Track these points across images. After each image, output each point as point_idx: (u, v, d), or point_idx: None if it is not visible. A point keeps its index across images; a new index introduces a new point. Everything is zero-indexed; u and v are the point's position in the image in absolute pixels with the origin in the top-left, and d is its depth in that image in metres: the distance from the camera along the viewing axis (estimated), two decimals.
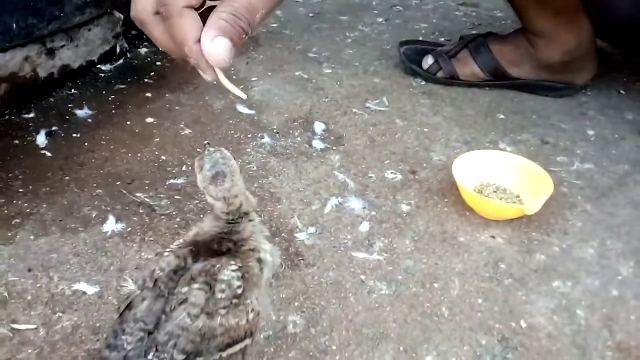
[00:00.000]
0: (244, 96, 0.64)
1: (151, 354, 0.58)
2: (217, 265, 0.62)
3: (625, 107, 1.57)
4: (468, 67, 1.59)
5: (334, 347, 0.87)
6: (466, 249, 1.07)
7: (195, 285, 0.60)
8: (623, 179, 1.29)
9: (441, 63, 1.60)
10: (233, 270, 0.62)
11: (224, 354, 0.60)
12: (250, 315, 0.63)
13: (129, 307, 0.62)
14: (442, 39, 1.88)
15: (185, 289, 0.60)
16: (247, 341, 0.63)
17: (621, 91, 1.64)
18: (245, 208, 0.67)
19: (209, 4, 0.62)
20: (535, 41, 1.52)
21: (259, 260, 0.66)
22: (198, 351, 0.59)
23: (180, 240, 0.66)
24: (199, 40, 0.58)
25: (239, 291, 0.62)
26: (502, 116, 1.50)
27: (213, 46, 0.57)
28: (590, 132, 1.47)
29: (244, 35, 0.60)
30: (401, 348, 0.87)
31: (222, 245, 0.65)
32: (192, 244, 0.64)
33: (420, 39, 1.83)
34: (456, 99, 1.57)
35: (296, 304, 0.94)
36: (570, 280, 1.02)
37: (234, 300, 0.61)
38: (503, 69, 1.57)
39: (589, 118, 1.53)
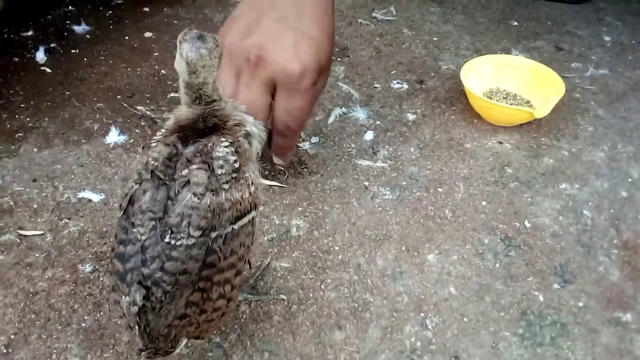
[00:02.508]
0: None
1: (167, 236, 0.58)
2: (210, 144, 0.61)
3: None
4: None
5: (336, 248, 0.88)
6: (472, 154, 1.05)
7: (194, 166, 0.60)
8: (638, 84, 1.25)
9: None
10: (226, 147, 0.61)
11: (235, 226, 0.61)
12: (252, 188, 0.63)
13: (131, 202, 0.61)
14: None
15: (185, 172, 0.59)
16: (254, 213, 0.64)
17: None
18: (215, 97, 0.64)
19: None
20: None
21: (247, 135, 0.65)
22: (212, 226, 0.59)
23: (163, 130, 0.65)
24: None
25: (236, 165, 0.61)
26: (515, 23, 1.44)
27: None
28: (607, 38, 1.40)
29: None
30: (403, 248, 0.88)
31: (208, 121, 0.64)
32: (177, 130, 0.63)
33: None
34: (468, 6, 1.50)
35: (299, 209, 0.94)
36: (578, 182, 1.00)
37: (234, 175, 0.61)
38: None
39: (605, 24, 1.46)
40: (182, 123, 0.64)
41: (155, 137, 0.64)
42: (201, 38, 0.60)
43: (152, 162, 0.61)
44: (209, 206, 0.59)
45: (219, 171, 0.60)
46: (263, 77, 0.78)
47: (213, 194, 0.59)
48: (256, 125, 0.67)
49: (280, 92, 0.80)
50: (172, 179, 0.60)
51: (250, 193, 0.62)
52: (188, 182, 0.59)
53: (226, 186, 0.60)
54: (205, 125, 0.63)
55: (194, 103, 0.64)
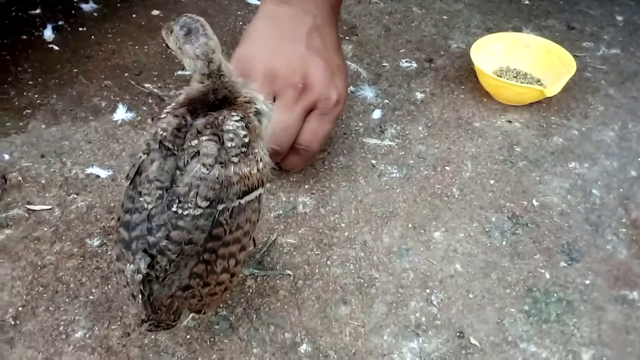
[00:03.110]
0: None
1: (175, 205, 0.58)
2: (220, 117, 0.61)
3: None
4: None
5: (343, 225, 0.88)
6: (481, 133, 1.04)
7: (204, 137, 0.60)
8: None
9: None
10: (237, 121, 0.61)
11: (242, 201, 0.61)
12: (260, 165, 0.63)
13: (138, 172, 0.61)
14: None
15: (195, 142, 0.59)
16: (261, 190, 0.64)
17: None
18: (226, 71, 0.64)
19: None
20: None
21: (257, 113, 0.65)
22: (219, 198, 0.59)
23: (173, 104, 0.65)
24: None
25: (246, 140, 0.61)
26: (527, 2, 1.42)
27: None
28: (619, 18, 1.38)
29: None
30: (410, 225, 0.88)
31: (219, 93, 0.63)
32: (187, 104, 0.63)
33: None
34: None
35: (306, 186, 0.94)
36: (588, 161, 0.99)
37: (243, 149, 0.61)
38: None
39: (618, 3, 1.43)
40: (192, 96, 0.64)
41: (165, 110, 0.64)
42: (191, 31, 0.62)
43: (161, 133, 0.61)
44: (217, 178, 0.59)
45: (229, 144, 0.60)
46: (306, 103, 0.85)
47: (222, 166, 0.59)
48: (266, 104, 0.67)
49: (313, 116, 0.87)
50: (181, 149, 0.60)
51: (258, 169, 0.62)
52: (197, 152, 0.59)
53: (235, 159, 0.60)
54: (216, 98, 0.63)
55: (207, 80, 0.64)
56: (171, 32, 0.63)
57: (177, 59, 1.19)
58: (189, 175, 0.59)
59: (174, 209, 0.58)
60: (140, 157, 0.62)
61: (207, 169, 0.59)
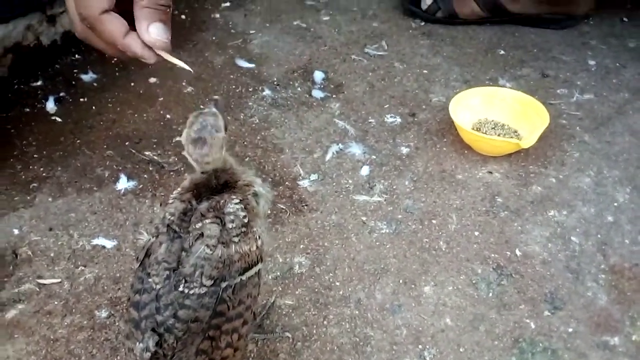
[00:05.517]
0: (190, 70, 0.72)
1: (181, 285, 0.63)
2: (222, 201, 0.67)
3: (628, 35, 1.55)
4: (467, 5, 1.57)
5: (337, 283, 0.93)
6: (464, 185, 1.11)
7: (207, 220, 0.66)
8: (622, 107, 1.30)
9: (440, 3, 1.59)
10: (236, 203, 0.67)
11: (244, 277, 0.66)
12: (259, 242, 0.69)
13: (147, 254, 0.67)
14: None
15: (199, 225, 0.65)
16: (260, 265, 0.70)
17: (624, 19, 1.61)
18: (225, 165, 0.71)
19: None
20: None
21: (255, 194, 0.71)
22: (222, 276, 0.65)
23: (179, 189, 0.71)
24: (127, 34, 0.66)
25: (246, 220, 0.67)
26: (502, 52, 1.50)
27: (150, 35, 0.66)
28: (592, 62, 1.46)
29: (168, 10, 0.68)
30: (401, 281, 0.93)
31: (220, 179, 0.70)
32: (192, 189, 0.69)
33: None
34: (456, 37, 1.56)
35: (301, 246, 0.99)
36: (566, 209, 1.05)
37: (243, 229, 0.67)
38: (502, 5, 1.55)
39: (590, 48, 1.51)
40: (197, 181, 0.70)
41: (172, 195, 0.70)
42: (199, 140, 0.66)
43: (169, 217, 0.67)
44: (220, 257, 0.64)
45: (230, 225, 0.66)
46: None
47: (224, 246, 0.65)
48: (263, 187, 0.73)
49: None
50: (187, 232, 0.66)
51: (257, 246, 0.68)
52: (201, 234, 0.65)
53: (236, 239, 0.66)
54: (218, 183, 0.69)
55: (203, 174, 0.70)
56: (190, 127, 0.68)
57: (174, 125, 1.26)
58: (194, 256, 0.64)
59: (180, 288, 0.63)
60: (150, 239, 0.68)
61: (211, 250, 0.64)
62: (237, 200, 0.68)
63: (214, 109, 0.70)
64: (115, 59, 1.48)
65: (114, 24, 0.66)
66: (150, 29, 0.66)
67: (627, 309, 0.88)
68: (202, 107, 1.30)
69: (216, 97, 0.75)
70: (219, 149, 0.67)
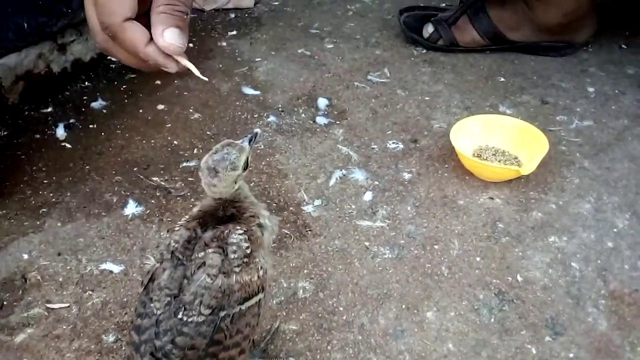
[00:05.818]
0: (205, 78, 0.73)
1: (180, 313, 0.65)
2: (226, 231, 0.69)
3: (627, 62, 1.58)
4: (468, 34, 1.61)
5: (341, 309, 0.94)
6: (465, 211, 1.12)
7: (210, 250, 0.68)
8: (622, 133, 1.32)
9: (441, 31, 1.62)
10: (240, 234, 0.69)
11: (243, 307, 0.68)
12: (260, 272, 0.70)
13: (151, 279, 0.69)
14: (443, 4, 1.89)
15: (201, 254, 0.67)
16: (261, 295, 0.71)
17: (623, 46, 1.64)
18: (240, 196, 0.73)
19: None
20: (533, 4, 1.53)
21: (260, 225, 0.73)
22: (221, 306, 0.66)
23: (187, 216, 0.73)
24: (148, 43, 0.66)
25: (248, 251, 0.69)
26: (502, 79, 1.53)
27: (164, 39, 0.66)
28: (591, 89, 1.48)
29: (185, 17, 0.67)
30: (403, 306, 0.94)
31: (227, 210, 0.72)
32: (199, 217, 0.71)
33: (421, 4, 1.84)
34: (457, 65, 1.60)
35: (305, 271, 1.01)
36: (566, 234, 1.06)
37: (245, 260, 0.69)
38: (502, 34, 1.59)
39: (589, 75, 1.54)
40: (205, 210, 0.72)
41: (179, 222, 0.72)
42: (215, 171, 0.69)
43: (174, 244, 0.69)
44: (220, 287, 0.66)
45: (232, 255, 0.68)
46: None
47: (225, 276, 0.67)
48: (269, 219, 0.75)
49: None
50: (190, 260, 0.68)
51: (258, 277, 0.69)
52: (203, 263, 0.67)
53: (237, 269, 0.67)
54: (224, 214, 0.71)
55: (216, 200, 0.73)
56: (213, 153, 0.70)
57: (181, 151, 1.29)
58: (195, 284, 0.66)
59: (179, 316, 0.65)
60: (155, 265, 0.70)
61: (212, 279, 0.66)
62: (242, 231, 0.70)
63: (245, 143, 0.72)
64: (124, 86, 1.52)
65: (136, 32, 0.66)
66: (165, 33, 0.65)
67: (628, 334, 0.89)
68: (208, 133, 1.34)
69: (257, 130, 0.77)
70: (229, 184, 0.70)
